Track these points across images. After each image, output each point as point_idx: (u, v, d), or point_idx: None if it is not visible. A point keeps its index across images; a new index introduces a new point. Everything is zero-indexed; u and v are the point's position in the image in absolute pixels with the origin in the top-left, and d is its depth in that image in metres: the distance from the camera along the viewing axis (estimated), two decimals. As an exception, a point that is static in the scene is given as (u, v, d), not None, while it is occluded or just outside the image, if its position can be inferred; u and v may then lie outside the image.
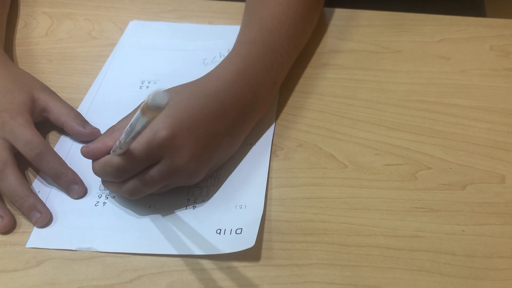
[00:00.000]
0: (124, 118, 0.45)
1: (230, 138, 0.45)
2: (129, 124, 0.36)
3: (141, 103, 0.32)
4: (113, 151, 0.42)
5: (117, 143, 0.40)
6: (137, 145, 0.40)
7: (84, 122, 0.50)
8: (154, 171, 0.41)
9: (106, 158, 0.42)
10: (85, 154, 0.43)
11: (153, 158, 0.41)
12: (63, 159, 0.47)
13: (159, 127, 0.41)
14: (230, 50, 0.50)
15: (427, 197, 0.45)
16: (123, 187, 0.42)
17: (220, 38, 0.61)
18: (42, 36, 0.63)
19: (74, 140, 0.50)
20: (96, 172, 0.43)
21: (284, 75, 0.53)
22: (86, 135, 0.49)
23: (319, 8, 0.59)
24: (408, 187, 0.45)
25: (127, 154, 0.40)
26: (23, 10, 0.66)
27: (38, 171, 0.47)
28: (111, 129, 0.44)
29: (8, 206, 0.44)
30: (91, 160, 0.43)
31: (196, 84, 0.46)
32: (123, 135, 0.38)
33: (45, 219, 0.43)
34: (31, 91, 0.49)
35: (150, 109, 0.31)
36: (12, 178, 0.44)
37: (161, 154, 0.41)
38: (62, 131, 0.51)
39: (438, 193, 0.45)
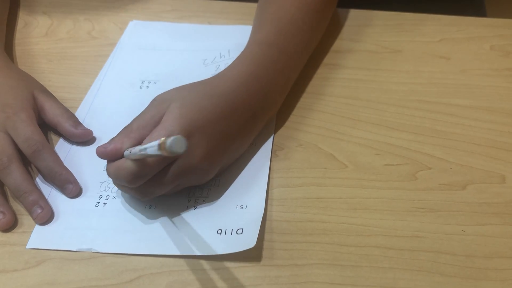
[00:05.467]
0: (140, 116, 0.43)
1: (241, 138, 0.46)
2: (144, 147, 0.36)
3: (161, 140, 0.32)
4: (125, 156, 0.41)
5: (129, 151, 0.40)
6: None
7: (77, 123, 0.50)
8: (167, 172, 0.41)
9: (120, 163, 0.41)
10: (101, 155, 0.42)
11: (168, 160, 0.40)
12: (63, 159, 0.47)
13: (174, 128, 0.40)
14: (230, 51, 0.50)
15: (427, 197, 0.45)
16: (136, 188, 0.41)
17: (220, 39, 0.61)
18: (42, 36, 0.63)
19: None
20: (110, 175, 0.42)
21: (295, 78, 0.53)
22: (78, 136, 0.49)
23: (330, 14, 0.60)
24: (408, 187, 0.45)
25: (142, 159, 0.39)
26: (23, 10, 0.66)
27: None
28: (128, 129, 0.43)
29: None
30: (90, 161, 0.43)
31: (209, 84, 0.46)
32: (136, 149, 0.38)
33: (46, 215, 0.43)
34: (32, 89, 0.50)
35: (166, 151, 0.32)
36: (17, 173, 0.44)
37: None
38: (62, 131, 0.51)
39: (438, 193, 0.45)
